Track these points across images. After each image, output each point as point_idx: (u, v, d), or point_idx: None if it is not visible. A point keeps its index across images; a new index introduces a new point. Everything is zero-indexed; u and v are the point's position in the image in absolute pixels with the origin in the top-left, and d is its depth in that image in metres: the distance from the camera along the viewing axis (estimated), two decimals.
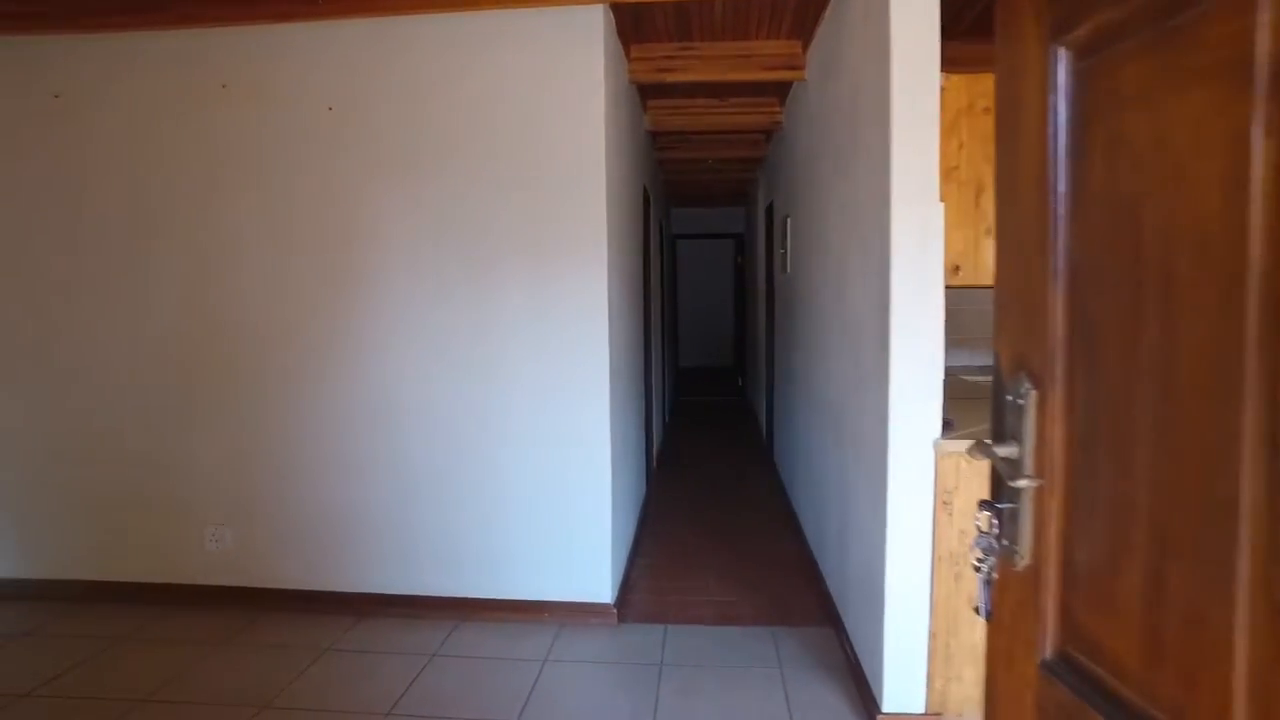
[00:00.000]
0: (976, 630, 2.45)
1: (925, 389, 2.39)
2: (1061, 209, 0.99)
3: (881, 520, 2.49)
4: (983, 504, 1.13)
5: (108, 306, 3.63)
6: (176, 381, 3.60)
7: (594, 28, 3.26)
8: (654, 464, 6.03)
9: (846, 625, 3.13)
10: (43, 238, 3.65)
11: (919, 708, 2.53)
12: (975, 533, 1.15)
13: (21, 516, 3.79)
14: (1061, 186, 0.99)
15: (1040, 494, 1.03)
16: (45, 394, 3.72)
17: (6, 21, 3.42)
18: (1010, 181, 1.11)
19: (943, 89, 2.38)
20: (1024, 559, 1.06)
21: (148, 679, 3.00)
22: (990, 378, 1.17)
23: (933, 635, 2.48)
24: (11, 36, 3.50)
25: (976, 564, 1.15)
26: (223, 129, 3.47)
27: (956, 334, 2.72)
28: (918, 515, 2.43)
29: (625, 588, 3.72)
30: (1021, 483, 1.05)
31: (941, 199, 2.39)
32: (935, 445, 2.40)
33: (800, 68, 4.11)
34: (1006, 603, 1.12)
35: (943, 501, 2.41)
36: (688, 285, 11.74)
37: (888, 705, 2.54)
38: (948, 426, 2.43)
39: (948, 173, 2.54)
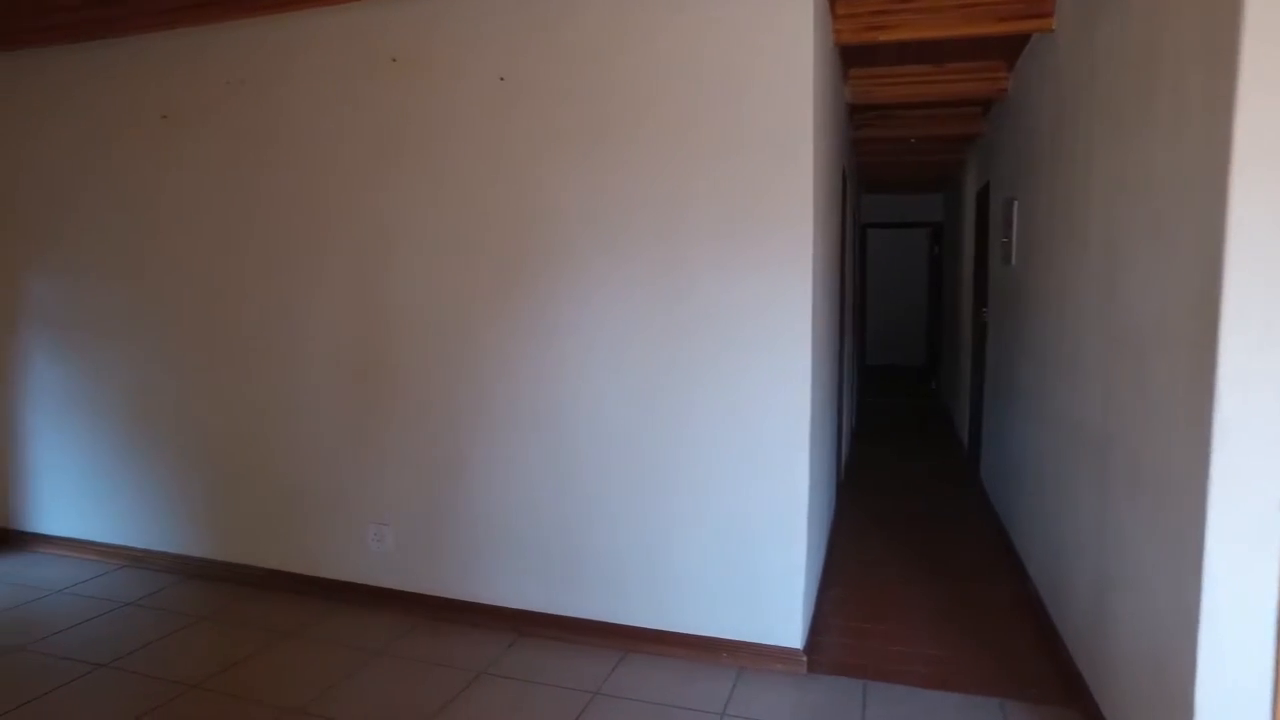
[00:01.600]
0: None
1: (1277, 425, 1.71)
2: None
3: (1191, 594, 1.83)
4: None
5: (281, 296, 3.57)
6: (345, 371, 3.48)
7: None
8: (840, 476, 5.43)
9: (1106, 714, 2.45)
10: (220, 225, 3.65)
11: None
12: None
13: (213, 502, 3.84)
14: None
15: None
16: (228, 382, 3.73)
17: (191, 13, 3.41)
18: None
19: None
20: None
21: (306, 686, 2.85)
22: None
23: None
24: (194, 27, 3.50)
25: None
26: (392, 106, 3.28)
27: None
28: (1255, 595, 1.75)
29: (815, 626, 3.20)
30: None
31: None
32: None
33: (1046, 15, 3.38)
34: None
35: None
36: (876, 277, 10.87)
37: None
38: None
39: None
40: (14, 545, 4.31)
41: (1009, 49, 4.06)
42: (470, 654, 3.08)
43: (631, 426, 3.05)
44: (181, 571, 3.88)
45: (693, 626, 3.04)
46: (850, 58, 4.25)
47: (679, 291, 2.96)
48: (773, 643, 2.96)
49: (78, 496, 4.16)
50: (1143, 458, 2.19)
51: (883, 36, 3.55)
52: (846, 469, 5.91)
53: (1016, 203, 4.21)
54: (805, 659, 2.94)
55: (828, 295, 3.63)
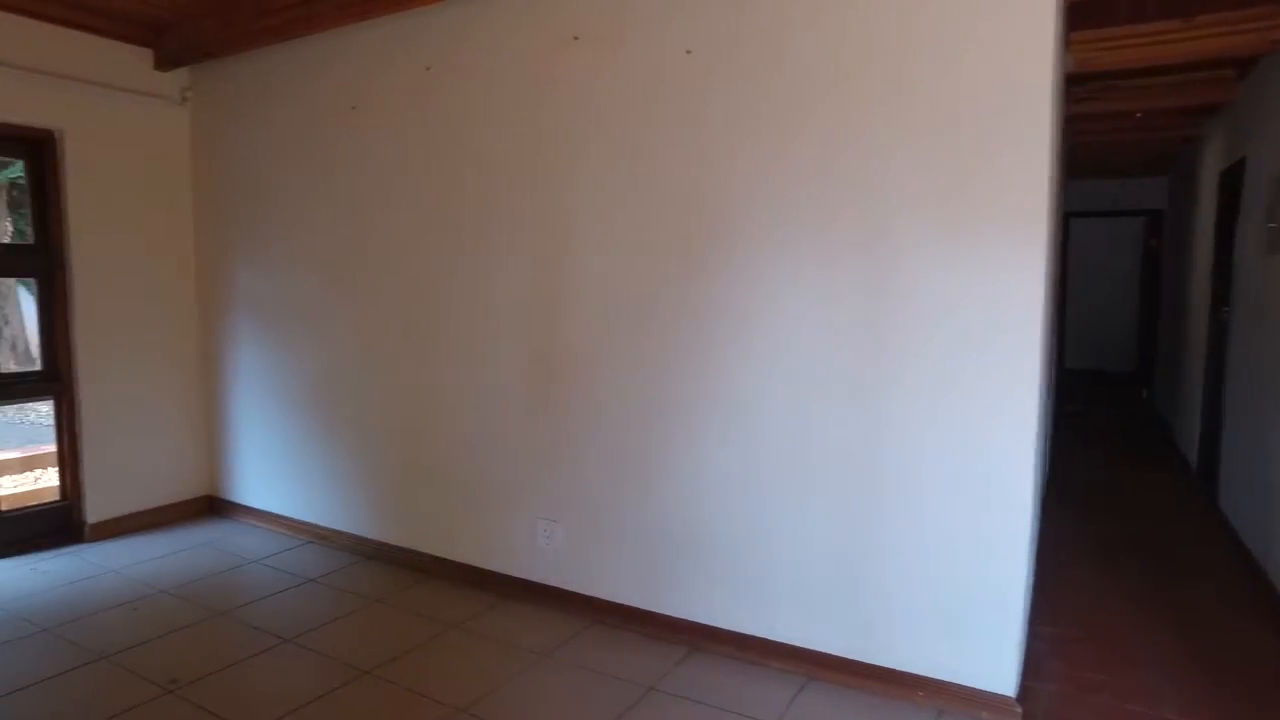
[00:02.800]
0: None
1: None
2: None
3: None
4: None
5: (464, 284, 3.54)
6: (522, 362, 3.40)
7: None
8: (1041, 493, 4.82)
9: None
10: (406, 213, 3.68)
11: None
12: None
13: (389, 487, 3.91)
14: None
15: None
16: (409, 369, 3.77)
17: (384, 2, 3.42)
18: None
19: None
20: None
21: (471, 684, 2.77)
22: None
23: None
24: (385, 17, 3.52)
25: None
26: (574, 86, 3.14)
27: None
28: None
29: (1027, 670, 2.77)
30: None
31: None
32: None
33: None
34: None
35: None
36: (1078, 271, 9.79)
37: None
38: None
39: None
40: (221, 513, 4.61)
41: None
42: (639, 666, 2.90)
43: (828, 429, 2.74)
44: (359, 552, 3.98)
45: (887, 658, 2.70)
46: (1076, 17, 3.69)
47: (880, 279, 2.62)
48: (980, 686, 2.57)
49: (273, 473, 4.38)
50: None
51: None
52: (1046, 485, 5.27)
53: None
54: (1019, 710, 2.53)
55: (1051, 288, 3.15)
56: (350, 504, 4.04)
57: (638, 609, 3.17)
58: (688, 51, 2.88)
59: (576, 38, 3.11)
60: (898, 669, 2.68)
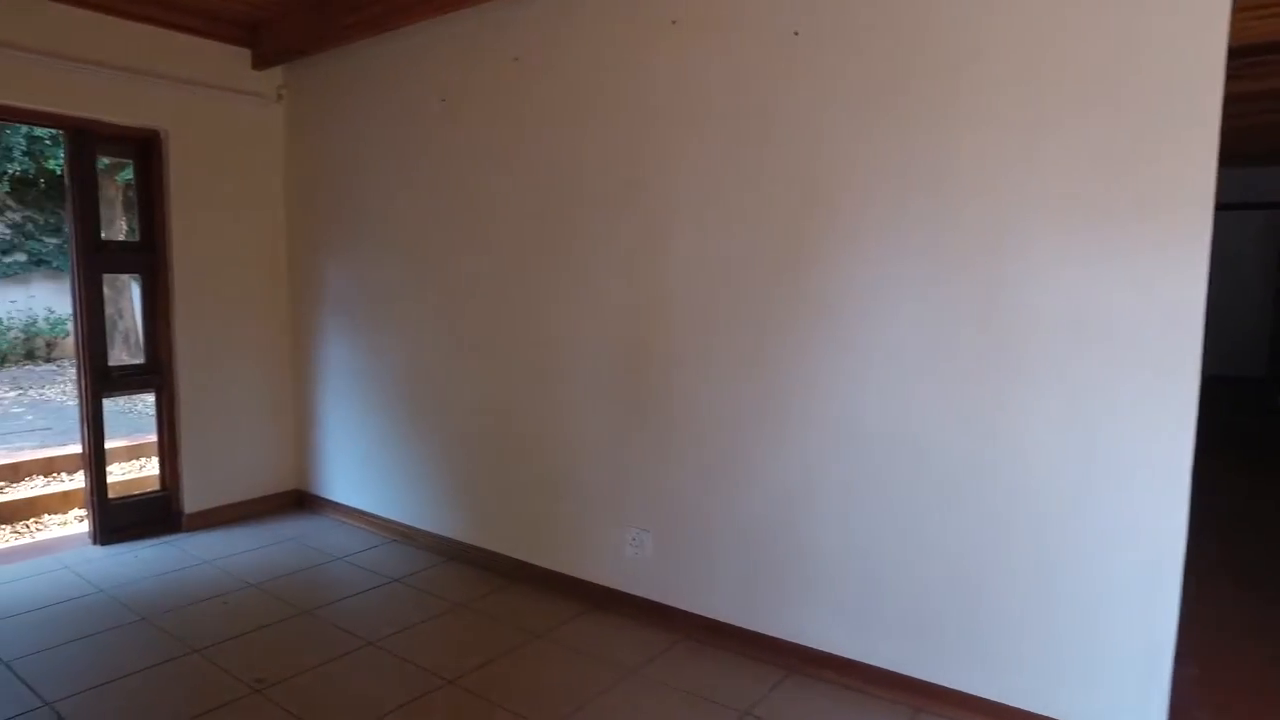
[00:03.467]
0: None
1: None
2: None
3: None
4: None
5: (553, 281, 3.43)
6: (613, 362, 3.27)
7: None
8: None
9: None
10: (494, 208, 3.59)
11: None
12: None
13: (473, 487, 3.84)
14: None
15: None
16: (495, 368, 3.69)
17: None
18: None
19: None
20: None
21: (557, 698, 2.66)
22: None
23: None
24: (475, 7, 3.43)
25: None
26: (670, 73, 2.99)
27: None
28: None
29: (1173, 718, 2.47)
30: None
31: None
32: None
33: None
34: None
35: None
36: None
37: None
38: None
39: None
40: (309, 508, 4.66)
41: None
42: (733, 687, 2.72)
43: (946, 444, 2.51)
44: (443, 552, 3.93)
45: (1008, 694, 2.45)
46: None
47: (1009, 280, 2.37)
48: None
49: (358, 469, 4.39)
50: None
51: None
52: None
53: None
54: None
55: None
56: (434, 503, 4.00)
57: (730, 625, 3.00)
58: (795, 33, 2.68)
59: (674, 22, 2.95)
60: (1019, 708, 2.43)
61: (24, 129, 8.83)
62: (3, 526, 4.72)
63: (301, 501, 4.72)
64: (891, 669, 2.64)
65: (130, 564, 3.81)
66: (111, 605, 3.35)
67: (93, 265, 3.93)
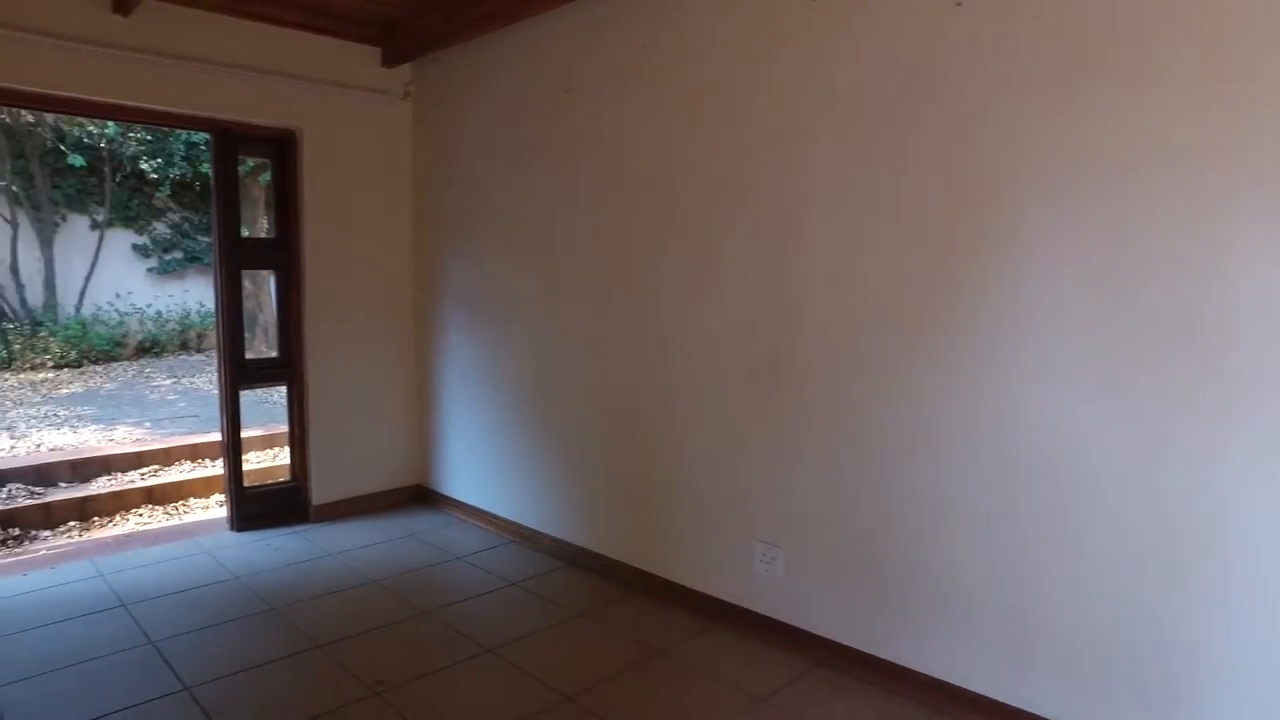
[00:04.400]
0: None
1: None
2: None
3: None
4: None
5: (679, 279, 3.26)
6: (741, 366, 3.07)
7: None
8: None
9: None
10: (616, 204, 3.45)
11: None
12: None
13: (593, 491, 3.73)
14: None
15: None
16: (616, 369, 3.55)
17: None
18: None
19: None
20: None
21: None
22: None
23: None
24: None
25: None
26: (808, 55, 2.75)
27: None
28: None
29: None
30: None
31: None
32: None
33: None
34: None
35: None
36: None
37: None
38: None
39: None
40: (430, 504, 4.68)
41: None
42: None
43: (1121, 469, 2.17)
44: (562, 557, 3.83)
45: None
46: None
47: (1209, 287, 2.01)
48: None
49: (478, 467, 4.36)
50: None
51: None
52: None
53: None
54: None
55: None
56: (554, 506, 3.91)
57: (869, 655, 2.75)
58: (958, 3, 2.40)
59: None
60: None
61: (184, 136, 9.46)
62: (156, 507, 4.98)
63: (422, 497, 4.75)
64: (1051, 717, 2.32)
65: (263, 553, 3.91)
66: (245, 594, 3.42)
67: (233, 261, 4.06)
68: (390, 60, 4.39)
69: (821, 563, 2.87)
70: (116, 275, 10.09)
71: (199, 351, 10.64)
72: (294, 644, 2.99)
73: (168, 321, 10.39)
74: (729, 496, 3.14)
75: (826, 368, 2.79)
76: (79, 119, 9.60)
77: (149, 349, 10.13)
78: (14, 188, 9.22)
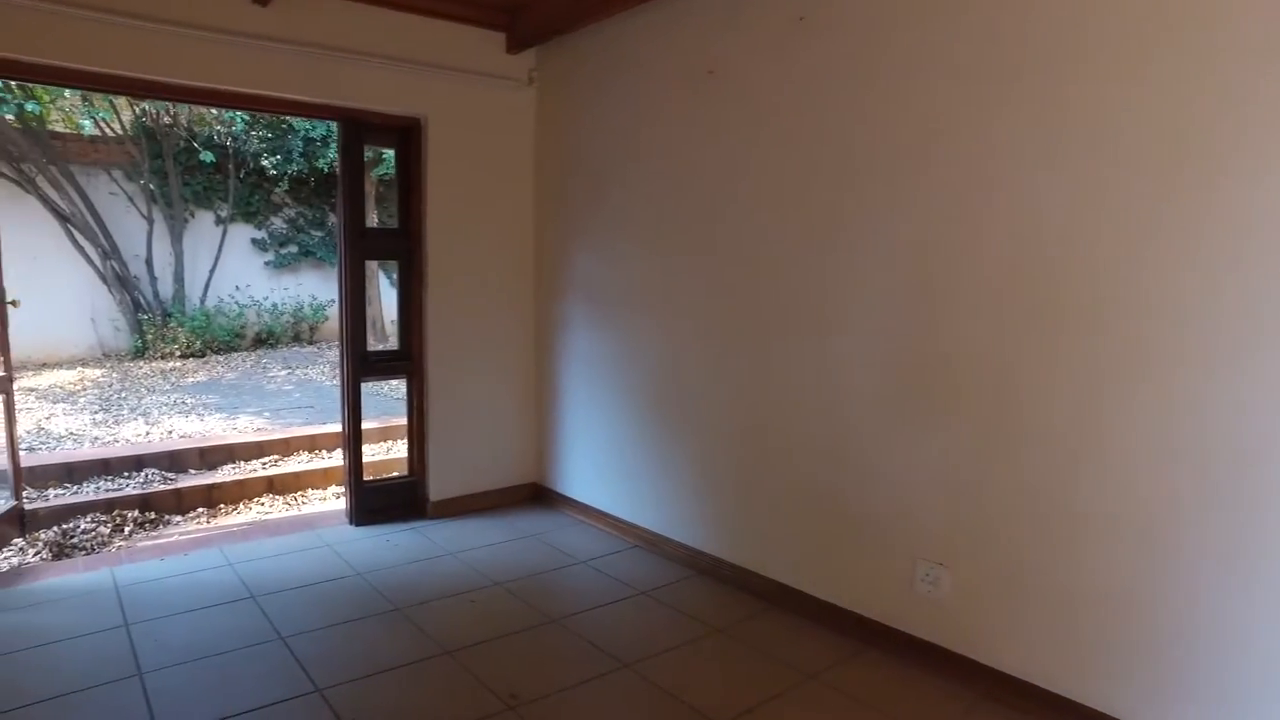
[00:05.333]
0: None
1: None
2: None
3: None
4: None
5: (826, 270, 2.99)
6: (897, 364, 2.78)
7: None
8: None
9: None
10: (763, 192, 3.19)
11: None
12: None
13: (727, 497, 3.50)
14: None
15: None
16: (756, 367, 3.31)
17: None
18: None
19: None
20: None
21: None
22: None
23: None
24: None
25: None
26: (999, 19, 2.44)
27: None
28: None
29: None
30: None
31: None
32: None
33: None
34: None
35: None
36: None
37: None
38: None
39: None
40: (547, 503, 4.55)
41: None
42: None
43: None
44: (691, 565, 3.62)
45: None
46: None
47: None
48: None
49: (600, 467, 4.19)
50: None
51: None
52: None
53: None
54: None
55: None
56: (683, 511, 3.70)
57: (1049, 693, 2.42)
58: None
59: None
60: None
61: (302, 132, 9.72)
62: (276, 497, 5.03)
63: (539, 496, 4.62)
64: None
65: (383, 549, 3.84)
66: (368, 592, 3.34)
67: (357, 250, 4.00)
68: (515, 46, 4.26)
69: (995, 586, 2.55)
70: (237, 269, 10.47)
71: (310, 343, 10.94)
72: (422, 648, 2.87)
73: (282, 314, 10.71)
74: (888, 509, 2.85)
75: (1005, 370, 2.47)
76: (209, 119, 10.00)
77: (265, 340, 10.48)
78: (151, 186, 9.65)
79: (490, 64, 4.25)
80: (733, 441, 3.43)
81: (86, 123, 9.06)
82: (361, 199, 4.01)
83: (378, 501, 4.22)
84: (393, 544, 3.91)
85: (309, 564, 3.64)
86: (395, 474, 4.58)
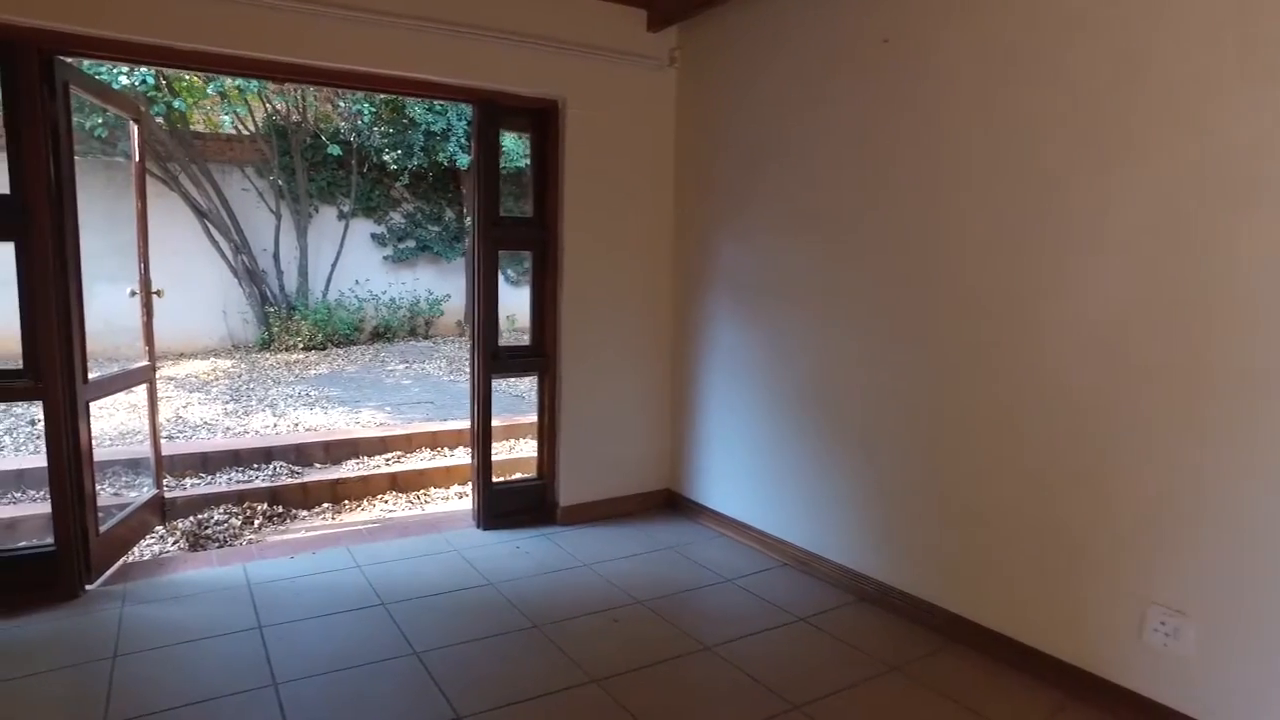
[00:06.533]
0: None
1: None
2: None
3: None
4: None
5: (1024, 262, 2.57)
6: (1121, 366, 2.34)
7: None
8: None
9: None
10: (959, 166, 2.79)
11: None
12: None
13: (895, 514, 3.12)
14: None
15: None
16: (932, 371, 2.91)
17: None
18: None
19: None
20: None
21: None
22: None
23: None
24: None
25: None
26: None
27: None
28: None
29: None
30: None
31: None
32: None
33: None
34: None
35: None
36: None
37: None
38: None
39: None
40: (681, 511, 4.25)
41: None
42: None
43: None
44: (852, 590, 3.25)
45: None
46: None
47: None
48: None
49: (741, 476, 3.86)
50: None
51: None
52: None
53: None
54: None
55: None
56: (841, 529, 3.33)
57: None
58: None
59: None
60: None
61: (423, 126, 9.78)
62: (399, 494, 4.93)
63: (672, 503, 4.33)
64: None
65: (514, 557, 3.62)
66: (503, 604, 3.12)
67: (490, 240, 3.81)
68: (656, 23, 3.97)
69: (1258, 642, 2.09)
70: (357, 263, 10.65)
71: (426, 338, 11.03)
72: (566, 674, 2.61)
73: (399, 308, 10.83)
74: (1113, 541, 2.40)
75: (1234, 370, 2.01)
76: (334, 116, 10.20)
77: (381, 334, 10.62)
78: (280, 182, 9.92)
79: (630, 43, 3.98)
80: (907, 455, 3.04)
81: (227, 118, 9.35)
82: (496, 185, 3.81)
83: (505, 505, 4.02)
84: (523, 551, 3.69)
85: (438, 569, 3.46)
86: (521, 475, 4.39)
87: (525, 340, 4.19)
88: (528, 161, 4.16)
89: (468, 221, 10.83)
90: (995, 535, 2.73)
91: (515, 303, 7.44)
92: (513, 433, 5.72)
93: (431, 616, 3.01)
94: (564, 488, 4.08)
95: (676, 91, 4.15)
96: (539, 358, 4.06)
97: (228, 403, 6.92)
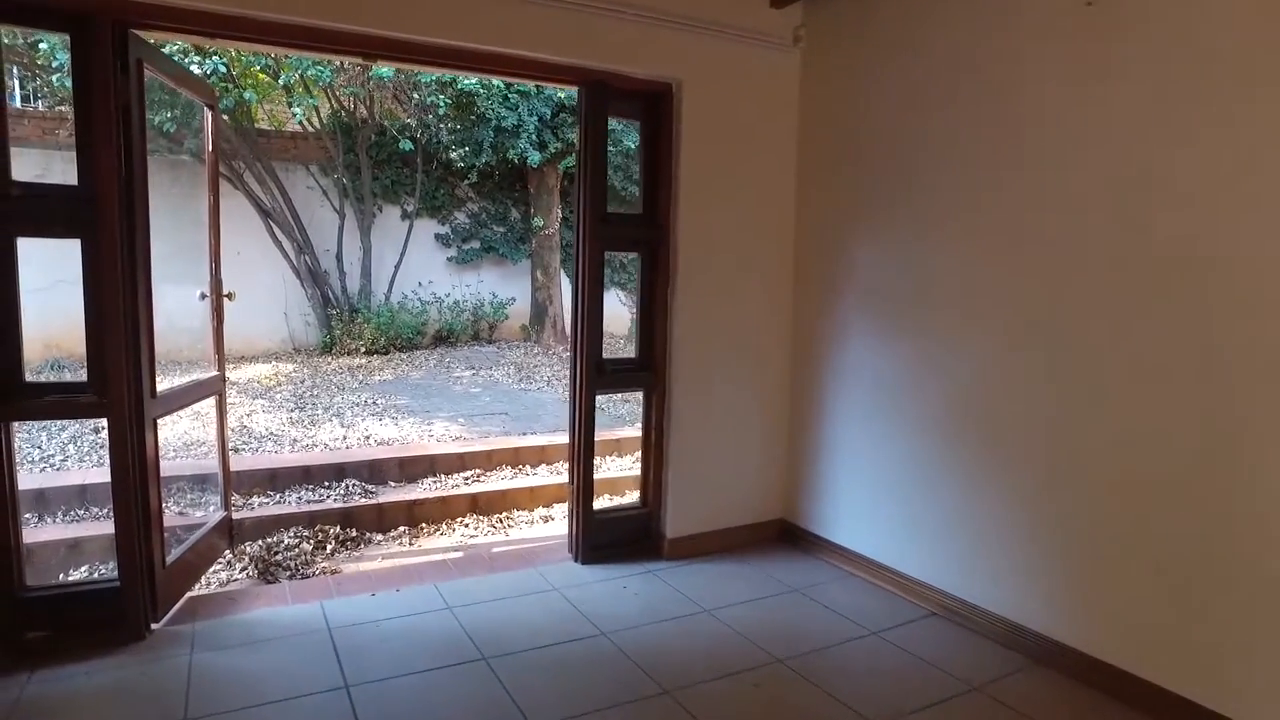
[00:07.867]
0: None
1: None
2: None
3: None
4: None
5: (1228, 265, 2.06)
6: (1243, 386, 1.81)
7: None
8: None
9: None
10: (1131, 156, 2.28)
11: None
12: None
13: (1071, 563, 2.62)
14: None
15: None
16: (1113, 394, 2.40)
17: None
18: None
19: None
20: None
21: None
22: None
23: None
24: None
25: None
26: None
27: None
28: None
29: None
30: None
31: None
32: None
33: None
34: None
35: None
36: None
37: None
38: None
39: None
40: (797, 544, 3.79)
41: None
42: None
43: None
44: (1019, 649, 2.75)
45: None
46: None
47: None
48: None
49: (871, 508, 3.39)
50: None
51: None
52: None
53: None
54: None
55: None
56: (1002, 576, 2.84)
57: None
58: None
59: None
60: None
61: (493, 122, 9.39)
62: (481, 517, 4.54)
63: (786, 536, 3.87)
64: None
65: (623, 599, 3.20)
66: (620, 661, 2.70)
67: (599, 240, 3.39)
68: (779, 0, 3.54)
69: None
70: (420, 264, 10.36)
71: (490, 343, 10.70)
72: None
73: (463, 311, 10.51)
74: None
75: None
76: (399, 113, 9.93)
77: (444, 338, 10.30)
78: (344, 180, 9.67)
79: (751, 21, 3.54)
80: (1095, 494, 2.54)
81: (298, 110, 9.10)
82: (604, 177, 3.38)
83: (606, 535, 3.60)
84: (632, 592, 3.27)
85: (540, 614, 3.05)
86: (620, 501, 3.98)
87: (628, 352, 3.77)
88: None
89: (535, 222, 10.48)
90: (1223, 597, 2.21)
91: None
92: (602, 449, 5.30)
93: (542, 676, 2.60)
94: (671, 518, 3.64)
95: (801, 75, 3.69)
96: (645, 372, 3.63)
97: (292, 411, 6.63)
